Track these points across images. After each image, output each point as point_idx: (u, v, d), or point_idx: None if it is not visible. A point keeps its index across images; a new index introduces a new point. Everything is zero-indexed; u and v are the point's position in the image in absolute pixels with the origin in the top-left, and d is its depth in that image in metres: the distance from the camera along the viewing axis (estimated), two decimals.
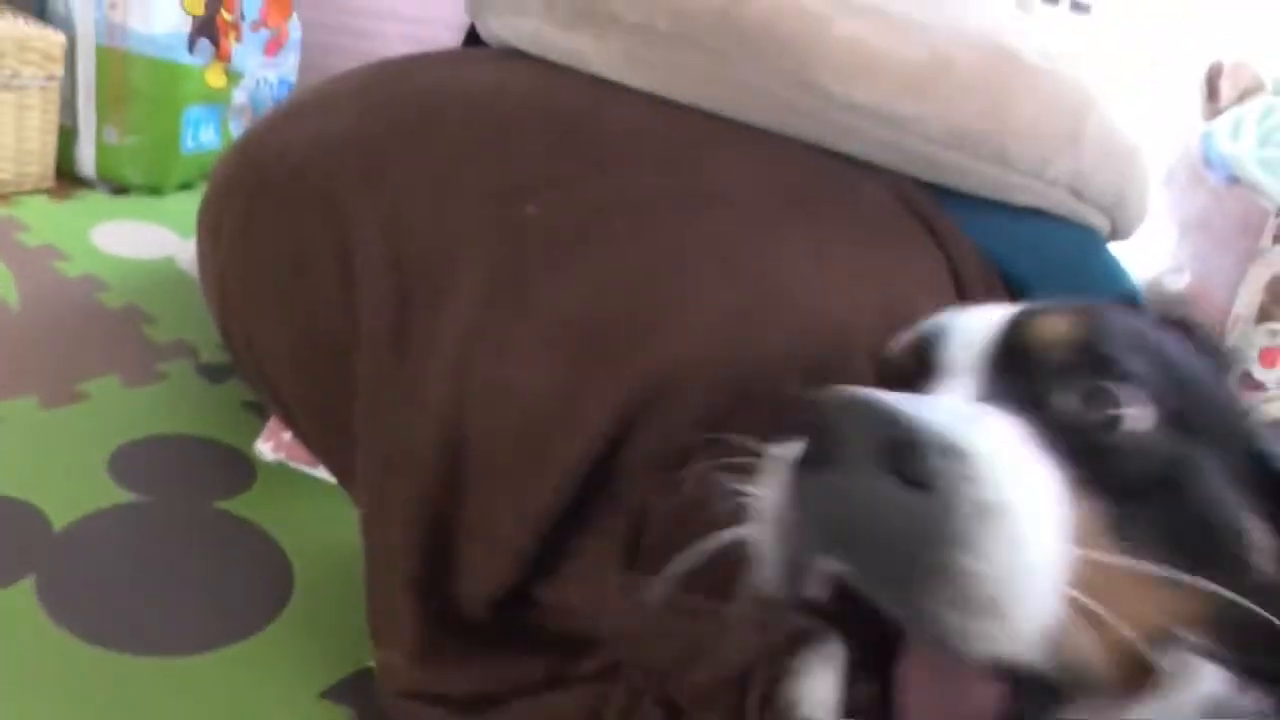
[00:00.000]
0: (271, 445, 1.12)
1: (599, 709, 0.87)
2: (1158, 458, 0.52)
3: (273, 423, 1.14)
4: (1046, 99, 1.07)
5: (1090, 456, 0.50)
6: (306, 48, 2.20)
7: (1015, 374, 0.55)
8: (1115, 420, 0.52)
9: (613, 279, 0.87)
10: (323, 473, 1.09)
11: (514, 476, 0.85)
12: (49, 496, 1.01)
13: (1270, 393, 1.66)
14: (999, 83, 1.04)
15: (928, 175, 1.08)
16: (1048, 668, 0.45)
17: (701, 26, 1.00)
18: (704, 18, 1.00)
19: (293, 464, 1.12)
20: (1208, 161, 1.88)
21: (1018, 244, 1.15)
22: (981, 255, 1.10)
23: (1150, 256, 2.05)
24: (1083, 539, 0.47)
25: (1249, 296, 1.68)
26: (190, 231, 1.20)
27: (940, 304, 1.05)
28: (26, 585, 0.90)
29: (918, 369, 0.60)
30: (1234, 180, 1.85)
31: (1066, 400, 0.52)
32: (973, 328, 0.59)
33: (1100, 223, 1.21)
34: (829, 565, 0.46)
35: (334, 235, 0.94)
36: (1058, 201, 1.13)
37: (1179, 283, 2.02)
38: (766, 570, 0.49)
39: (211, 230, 1.10)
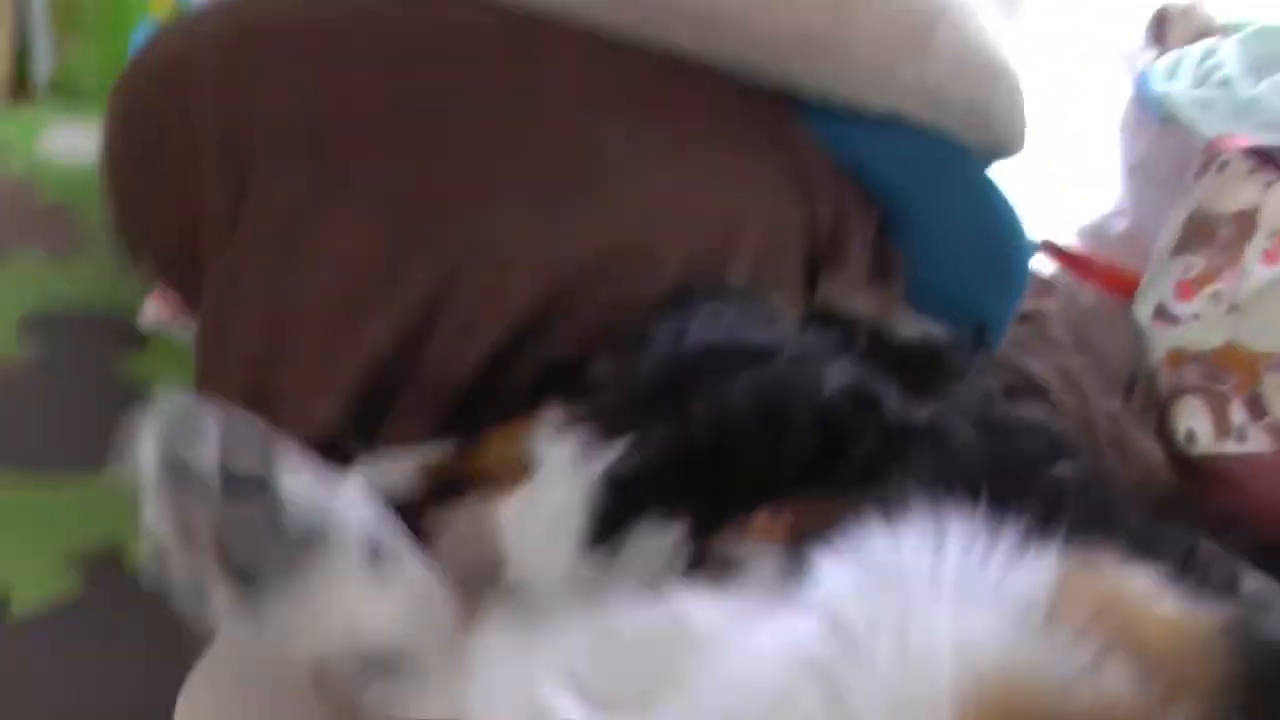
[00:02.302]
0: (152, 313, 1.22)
1: None
2: None
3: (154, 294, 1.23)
4: (889, 10, 1.12)
5: None
6: None
7: None
8: None
9: (435, 159, 0.93)
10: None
11: (328, 352, 0.90)
12: None
13: (1184, 326, 1.67)
14: None
15: (774, 80, 1.12)
16: None
17: None
18: None
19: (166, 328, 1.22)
20: (1142, 102, 1.90)
21: (876, 150, 1.19)
22: (829, 157, 1.15)
23: (1098, 201, 2.08)
24: None
25: (1170, 232, 1.70)
26: None
27: (770, 201, 1.11)
28: None
29: None
30: (1169, 120, 1.86)
31: None
32: None
33: (971, 140, 1.24)
34: None
35: (183, 118, 1.00)
36: (913, 110, 1.16)
37: (1119, 226, 2.04)
38: None
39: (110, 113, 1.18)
